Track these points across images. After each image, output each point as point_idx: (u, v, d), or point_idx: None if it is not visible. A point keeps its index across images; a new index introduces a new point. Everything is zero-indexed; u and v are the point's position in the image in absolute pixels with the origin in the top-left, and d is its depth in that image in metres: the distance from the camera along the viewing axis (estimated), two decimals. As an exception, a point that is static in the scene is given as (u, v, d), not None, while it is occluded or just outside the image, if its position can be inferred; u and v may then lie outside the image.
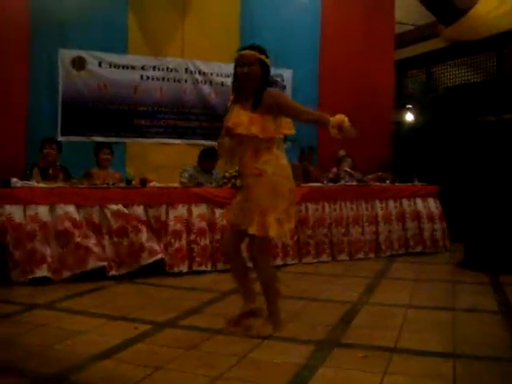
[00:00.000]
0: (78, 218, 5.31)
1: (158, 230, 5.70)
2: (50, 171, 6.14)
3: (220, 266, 5.88)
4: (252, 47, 3.65)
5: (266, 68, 3.64)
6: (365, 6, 9.02)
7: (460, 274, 5.86)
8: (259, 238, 3.48)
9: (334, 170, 7.72)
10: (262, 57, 3.61)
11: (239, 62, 3.58)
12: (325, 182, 7.18)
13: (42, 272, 5.03)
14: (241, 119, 3.51)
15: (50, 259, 5.10)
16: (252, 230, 3.45)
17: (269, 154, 3.53)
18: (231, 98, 3.74)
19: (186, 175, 6.70)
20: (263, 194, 3.47)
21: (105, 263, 5.33)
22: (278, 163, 3.56)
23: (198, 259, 5.77)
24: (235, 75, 3.65)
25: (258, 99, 3.53)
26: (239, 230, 3.59)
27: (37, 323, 3.75)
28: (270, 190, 3.47)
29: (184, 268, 5.68)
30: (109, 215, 5.45)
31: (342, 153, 7.83)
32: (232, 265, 3.84)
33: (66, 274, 5.19)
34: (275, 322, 3.63)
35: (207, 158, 6.78)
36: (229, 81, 8.22)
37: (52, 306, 4.29)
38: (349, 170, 7.66)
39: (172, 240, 5.70)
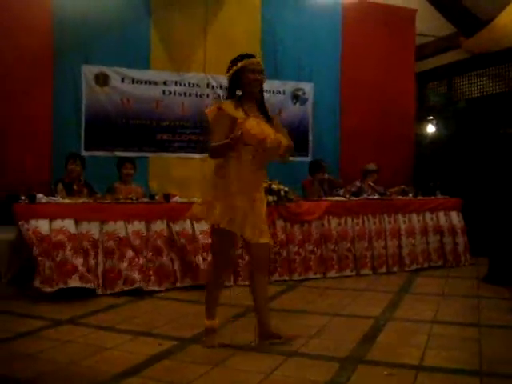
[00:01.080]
0: (98, 234, 5.39)
1: (184, 245, 5.73)
2: (75, 187, 6.21)
3: (240, 281, 5.88)
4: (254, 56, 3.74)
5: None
6: (386, 19, 9.03)
7: (484, 289, 5.80)
8: (267, 248, 3.67)
9: (357, 183, 7.68)
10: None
11: (254, 69, 3.62)
12: (347, 195, 7.15)
13: (74, 282, 5.04)
14: (269, 131, 3.59)
15: (81, 269, 5.11)
16: (265, 239, 3.60)
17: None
18: (227, 103, 3.62)
19: None
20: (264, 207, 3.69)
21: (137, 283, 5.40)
22: None
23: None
24: (238, 81, 3.62)
25: (266, 112, 3.71)
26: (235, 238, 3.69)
27: (62, 339, 3.78)
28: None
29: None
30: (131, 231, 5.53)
31: (371, 167, 7.75)
32: (222, 273, 3.81)
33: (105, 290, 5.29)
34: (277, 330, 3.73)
35: None
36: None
37: (77, 322, 4.31)
38: (372, 184, 7.64)
39: (204, 254, 5.75)
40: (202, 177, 7.17)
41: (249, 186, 3.61)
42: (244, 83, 3.61)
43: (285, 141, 3.64)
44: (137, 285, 5.38)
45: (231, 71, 3.65)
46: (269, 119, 3.70)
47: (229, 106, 3.57)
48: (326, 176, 7.67)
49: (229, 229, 3.52)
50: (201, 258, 5.72)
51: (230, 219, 3.52)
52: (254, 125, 3.55)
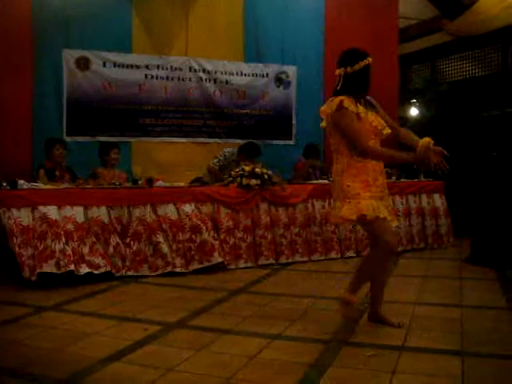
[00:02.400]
0: (82, 219, 5.34)
1: (168, 229, 5.70)
2: (57, 172, 6.16)
3: (229, 266, 5.90)
4: None
5: None
6: (369, 2, 8.99)
7: (467, 270, 5.86)
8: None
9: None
10: None
11: (370, 67, 3.62)
12: (330, 178, 7.14)
13: (50, 267, 4.95)
14: (382, 121, 3.67)
15: (58, 255, 5.01)
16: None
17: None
18: (343, 99, 3.53)
19: (217, 163, 6.75)
20: None
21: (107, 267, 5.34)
22: None
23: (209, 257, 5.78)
24: (360, 77, 3.58)
25: (368, 101, 3.70)
26: None
27: (46, 326, 3.77)
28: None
29: (192, 267, 5.70)
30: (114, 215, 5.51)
31: None
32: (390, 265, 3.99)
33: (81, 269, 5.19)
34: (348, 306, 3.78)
35: (250, 155, 6.78)
36: (234, 79, 8.29)
37: (60, 308, 4.30)
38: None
39: (193, 236, 5.74)
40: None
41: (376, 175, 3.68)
42: (366, 80, 3.62)
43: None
44: (121, 272, 5.38)
45: (357, 66, 3.55)
46: (374, 108, 3.70)
47: (348, 103, 3.52)
48: (319, 162, 7.69)
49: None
50: (185, 242, 5.71)
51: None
52: (373, 118, 3.63)
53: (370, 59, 3.59)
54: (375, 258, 3.69)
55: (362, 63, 3.55)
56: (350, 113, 3.49)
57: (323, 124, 3.74)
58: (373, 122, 3.59)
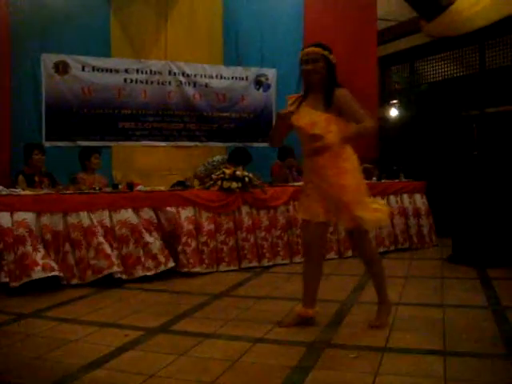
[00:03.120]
0: (62, 226, 5.29)
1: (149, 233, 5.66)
2: (36, 178, 6.09)
3: (209, 269, 5.88)
4: (316, 44, 3.67)
5: (331, 65, 3.66)
6: (347, 4, 9.04)
7: (449, 270, 5.90)
8: (360, 230, 3.68)
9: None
10: (326, 53, 3.63)
11: (303, 60, 3.61)
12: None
13: (38, 274, 4.87)
14: (315, 119, 3.55)
15: (41, 262, 4.94)
16: (349, 224, 3.65)
17: (345, 151, 3.61)
18: (291, 97, 3.77)
19: (204, 171, 6.72)
20: (350, 191, 3.57)
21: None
22: (354, 158, 3.67)
23: (189, 261, 5.75)
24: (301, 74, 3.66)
25: (329, 98, 3.56)
26: (324, 225, 3.73)
27: (26, 333, 3.71)
28: (355, 185, 3.61)
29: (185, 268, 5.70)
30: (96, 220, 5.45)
31: None
32: (313, 265, 3.83)
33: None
34: (388, 308, 3.83)
35: (240, 162, 6.75)
36: (213, 82, 8.29)
37: (40, 315, 4.24)
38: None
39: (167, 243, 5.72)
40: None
41: (316, 172, 3.66)
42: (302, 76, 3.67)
43: (334, 127, 3.56)
44: (105, 272, 5.26)
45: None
46: (329, 106, 3.57)
47: (289, 100, 3.73)
48: (296, 162, 7.68)
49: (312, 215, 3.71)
50: (164, 247, 5.69)
51: None
52: (302, 114, 3.60)
53: (300, 53, 3.67)
54: None
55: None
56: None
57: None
58: (296, 120, 3.61)
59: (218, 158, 7.17)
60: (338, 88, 3.61)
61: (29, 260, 4.89)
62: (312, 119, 3.57)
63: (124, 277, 5.38)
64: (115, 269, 5.29)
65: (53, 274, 4.96)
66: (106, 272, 5.26)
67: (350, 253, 6.73)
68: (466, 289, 4.94)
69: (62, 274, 5.08)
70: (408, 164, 8.13)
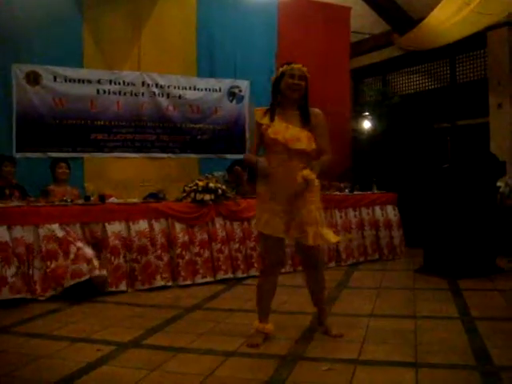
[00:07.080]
0: (33, 239, 5.22)
1: (121, 246, 5.63)
2: (6, 191, 5.97)
3: (181, 281, 5.84)
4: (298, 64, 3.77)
5: (307, 87, 3.76)
6: (321, 17, 9.13)
7: (420, 281, 5.94)
8: (316, 249, 3.72)
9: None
10: (307, 74, 3.75)
11: (290, 74, 3.68)
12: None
13: (5, 294, 4.81)
14: (299, 135, 3.63)
15: (11, 280, 4.89)
16: (313, 241, 3.57)
17: (310, 166, 3.66)
18: (259, 109, 3.81)
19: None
20: (316, 204, 3.62)
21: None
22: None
23: (161, 275, 5.73)
24: (277, 86, 3.74)
25: (307, 116, 3.70)
26: (283, 240, 3.76)
27: (-6, 349, 3.65)
28: (319, 199, 3.67)
29: (146, 285, 5.64)
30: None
31: None
32: (272, 279, 3.91)
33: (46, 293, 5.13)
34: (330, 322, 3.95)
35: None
36: (187, 93, 8.27)
37: (10, 331, 4.15)
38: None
39: (138, 256, 5.68)
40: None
41: (284, 186, 3.67)
42: (282, 88, 3.71)
43: (313, 144, 3.67)
44: (86, 276, 5.21)
45: (273, 78, 3.79)
46: (307, 123, 3.69)
47: (258, 113, 3.78)
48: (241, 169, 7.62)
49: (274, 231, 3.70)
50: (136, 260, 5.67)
51: None
52: (279, 129, 3.64)
53: (283, 68, 3.74)
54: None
55: (277, 74, 3.77)
56: (256, 124, 3.77)
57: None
58: (274, 133, 3.64)
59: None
60: (312, 108, 3.77)
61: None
62: (294, 134, 3.64)
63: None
64: (97, 272, 5.25)
65: (19, 296, 4.91)
66: (87, 276, 5.21)
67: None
68: (438, 300, 4.99)
69: (29, 296, 5.02)
70: (380, 175, 8.19)
